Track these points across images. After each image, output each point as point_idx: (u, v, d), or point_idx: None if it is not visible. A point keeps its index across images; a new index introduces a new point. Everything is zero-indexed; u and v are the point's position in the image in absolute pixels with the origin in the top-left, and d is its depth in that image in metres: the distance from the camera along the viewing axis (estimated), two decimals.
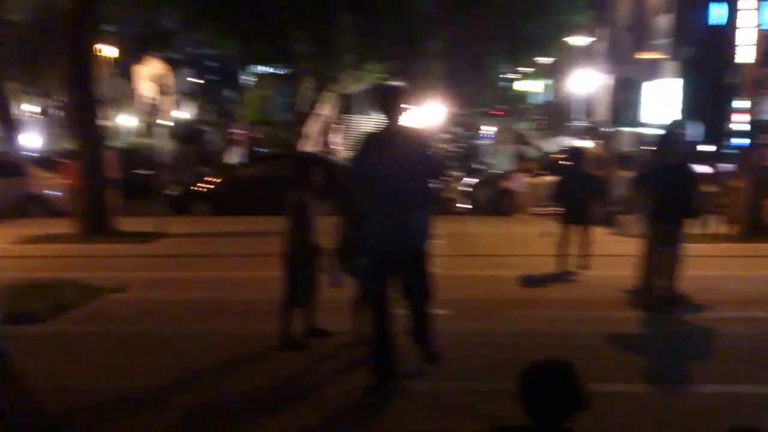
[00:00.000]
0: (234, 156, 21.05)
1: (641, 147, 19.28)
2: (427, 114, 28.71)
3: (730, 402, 5.03)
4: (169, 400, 5.12)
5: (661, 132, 9.16)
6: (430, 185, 5.06)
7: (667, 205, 7.32)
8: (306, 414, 4.87)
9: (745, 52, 12.74)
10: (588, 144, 15.03)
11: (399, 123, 4.99)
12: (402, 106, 4.99)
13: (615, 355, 6.11)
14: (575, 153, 10.74)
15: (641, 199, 7.80)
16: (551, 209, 13.96)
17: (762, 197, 12.02)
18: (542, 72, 44.12)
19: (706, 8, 23.64)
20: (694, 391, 5.28)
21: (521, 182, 16.22)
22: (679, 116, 17.48)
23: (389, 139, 4.95)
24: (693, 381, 5.52)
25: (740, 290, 8.29)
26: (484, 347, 6.31)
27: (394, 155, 4.88)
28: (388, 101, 5.00)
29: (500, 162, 23.71)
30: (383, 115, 5.01)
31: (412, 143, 5.00)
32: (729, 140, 17.32)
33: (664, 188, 7.35)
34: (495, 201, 16.64)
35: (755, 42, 12.40)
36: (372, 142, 5.11)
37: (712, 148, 15.25)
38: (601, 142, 14.39)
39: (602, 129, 23.07)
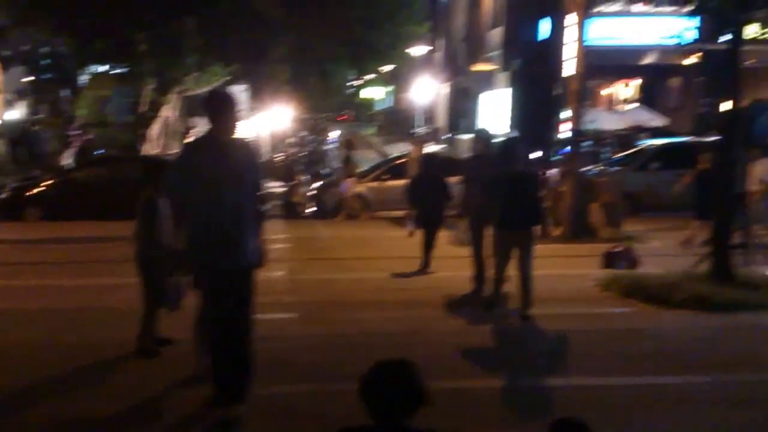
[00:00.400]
0: (70, 158, 20.11)
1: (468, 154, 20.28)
2: (272, 118, 28.71)
3: (555, 394, 5.50)
4: (7, 418, 4.94)
5: (492, 139, 9.74)
6: (257, 197, 4.85)
7: (514, 213, 7.38)
8: (150, 426, 4.86)
9: (569, 66, 13.65)
10: (409, 150, 15.70)
11: (225, 131, 4.74)
12: (230, 114, 4.75)
13: (452, 352, 6.44)
14: (428, 158, 11.11)
15: (489, 207, 7.77)
16: (399, 212, 14.41)
17: (586, 201, 13.04)
18: (385, 79, 45.22)
19: (535, 23, 25.14)
20: (524, 385, 5.72)
21: (350, 186, 16.71)
22: (488, 126, 18.54)
23: (214, 148, 4.69)
24: (522, 375, 5.98)
25: (564, 288, 8.89)
26: (327, 350, 6.47)
27: (218, 164, 4.64)
28: (214, 108, 4.76)
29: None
30: (210, 123, 4.77)
31: (238, 153, 4.77)
32: (558, 148, 18.52)
33: (510, 197, 7.40)
34: (337, 205, 16.97)
35: (577, 56, 13.37)
36: (194, 150, 4.90)
37: (539, 154, 16.34)
38: (419, 147, 15.13)
39: (423, 135, 23.95)
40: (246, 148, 4.91)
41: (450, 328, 7.33)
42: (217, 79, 21.01)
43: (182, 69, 20.82)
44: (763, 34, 12.35)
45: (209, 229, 4.63)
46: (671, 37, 23.23)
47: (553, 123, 13.82)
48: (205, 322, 4.94)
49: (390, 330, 7.09)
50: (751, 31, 9.95)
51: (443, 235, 9.82)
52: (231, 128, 4.75)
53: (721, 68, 9.23)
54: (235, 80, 22.61)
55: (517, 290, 7.57)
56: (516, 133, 15.78)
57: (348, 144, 18.92)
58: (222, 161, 4.64)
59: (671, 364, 6.17)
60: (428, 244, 9.92)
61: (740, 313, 7.65)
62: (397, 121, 42.53)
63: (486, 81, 29.59)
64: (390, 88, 47.65)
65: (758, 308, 7.78)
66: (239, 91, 24.22)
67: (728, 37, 8.72)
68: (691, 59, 24.06)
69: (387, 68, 39.88)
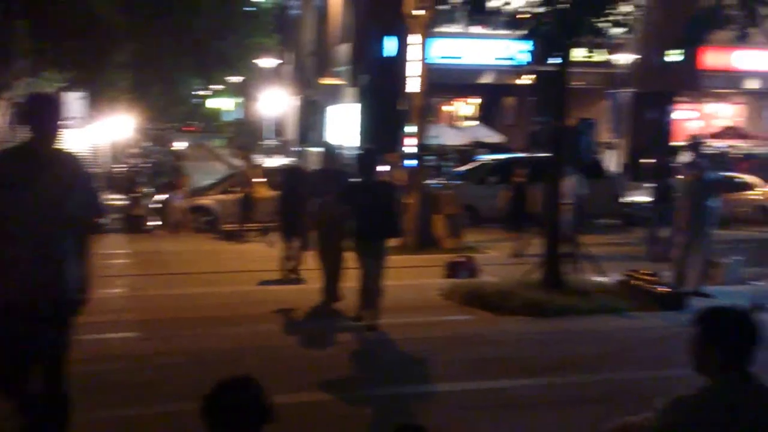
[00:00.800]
0: None
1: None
2: (113, 127, 27.55)
3: (402, 402, 5.62)
4: None
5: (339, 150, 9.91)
6: (84, 218, 4.10)
7: (370, 223, 7.37)
8: None
9: (413, 83, 14.14)
10: (241, 163, 15.70)
11: (45, 141, 4.05)
12: (52, 121, 4.07)
13: (300, 366, 6.44)
14: (291, 171, 11.08)
15: (342, 219, 7.79)
16: (246, 225, 14.19)
17: (430, 213, 13.49)
18: (233, 90, 44.63)
19: (380, 41, 25.72)
20: (368, 395, 5.80)
21: (179, 198, 16.43)
22: (336, 139, 18.85)
23: (29, 160, 3.99)
24: (369, 385, 6.08)
25: (409, 297, 9.14)
26: (166, 369, 6.27)
27: (34, 180, 3.92)
28: (33, 114, 4.06)
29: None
30: (30, 131, 4.05)
31: (60, 166, 4.06)
32: (402, 161, 19.01)
33: (366, 207, 7.40)
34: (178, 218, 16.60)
35: (421, 74, 13.86)
36: (4, 161, 4.13)
37: (386, 168, 16.72)
38: (249, 161, 15.18)
39: (254, 147, 23.89)
40: (71, 161, 4.17)
41: (297, 341, 7.34)
42: (52, 85, 19.93)
43: (12, 74, 19.57)
44: (589, 57, 13.32)
45: (17, 258, 3.84)
46: (506, 59, 24.53)
47: (399, 137, 14.21)
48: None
49: (234, 345, 7.00)
50: (579, 54, 10.66)
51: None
52: (52, 137, 4.05)
53: (551, 88, 9.85)
54: (71, 87, 21.54)
55: (374, 303, 7.64)
56: (371, 145, 16.12)
57: (178, 156, 18.62)
58: (39, 176, 3.94)
59: (508, 369, 6.49)
60: (288, 257, 9.93)
61: (570, 318, 8.17)
62: (246, 133, 42.09)
63: (334, 94, 29.91)
64: (239, 100, 47.13)
65: (587, 313, 8.34)
66: (76, 99, 23.10)
67: (557, 60, 9.34)
68: (525, 80, 25.51)
69: (235, 79, 39.42)
